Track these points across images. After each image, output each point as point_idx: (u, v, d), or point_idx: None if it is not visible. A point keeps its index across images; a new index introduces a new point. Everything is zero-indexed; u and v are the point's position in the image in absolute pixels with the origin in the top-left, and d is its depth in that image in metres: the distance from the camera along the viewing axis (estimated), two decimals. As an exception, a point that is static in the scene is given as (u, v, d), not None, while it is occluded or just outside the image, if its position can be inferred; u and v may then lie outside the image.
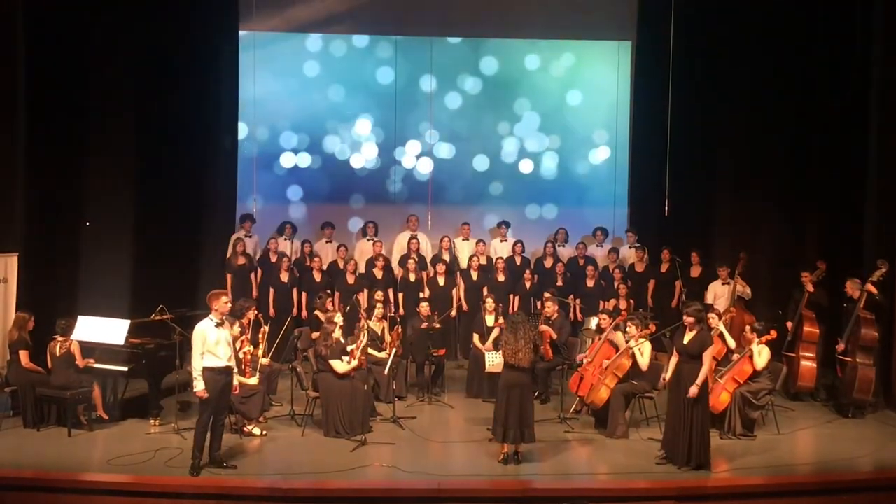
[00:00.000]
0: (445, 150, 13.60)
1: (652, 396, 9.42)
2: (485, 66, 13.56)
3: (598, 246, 13.03)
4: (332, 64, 13.43)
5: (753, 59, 12.35)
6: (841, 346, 10.03)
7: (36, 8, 10.73)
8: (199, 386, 7.82)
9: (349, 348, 9.30)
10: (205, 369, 7.83)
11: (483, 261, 12.43)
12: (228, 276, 11.98)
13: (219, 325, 7.94)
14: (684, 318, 8.16)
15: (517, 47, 13.59)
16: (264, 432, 9.06)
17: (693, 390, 7.97)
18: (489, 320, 10.72)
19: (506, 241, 12.90)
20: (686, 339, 8.11)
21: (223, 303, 8.01)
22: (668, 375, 8.37)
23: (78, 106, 11.48)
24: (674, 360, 8.26)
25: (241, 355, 9.08)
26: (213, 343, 7.87)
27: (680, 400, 8.09)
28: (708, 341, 8.13)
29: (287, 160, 13.41)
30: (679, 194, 11.97)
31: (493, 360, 9.79)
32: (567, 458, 8.57)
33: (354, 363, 9.17)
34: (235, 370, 8.19)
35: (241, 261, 12.01)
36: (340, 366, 9.09)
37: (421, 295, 11.84)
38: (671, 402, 8.29)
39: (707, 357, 8.04)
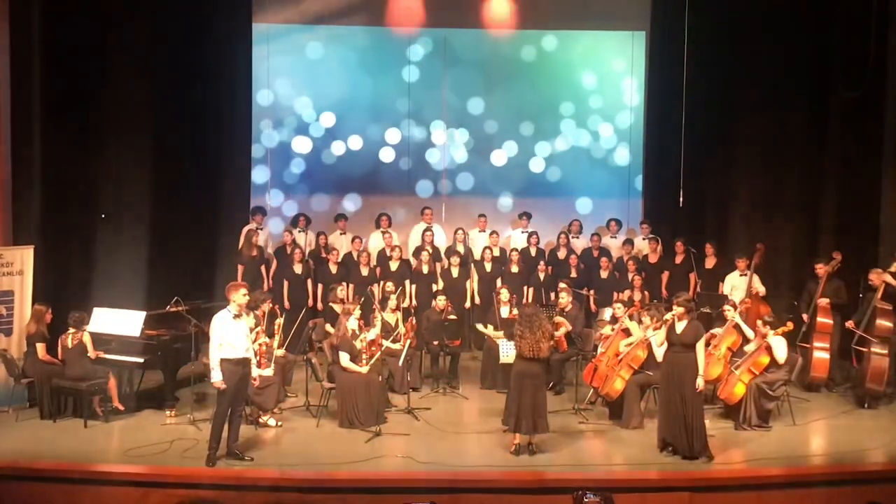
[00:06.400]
0: (460, 142, 13.57)
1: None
2: (499, 56, 13.52)
3: (612, 237, 12.97)
4: (346, 55, 13.43)
5: (768, 48, 12.26)
6: (850, 323, 10.04)
7: (52, 1, 10.77)
8: (216, 377, 7.85)
9: (363, 336, 9.31)
10: (222, 360, 7.85)
11: (496, 252, 12.42)
12: (239, 268, 11.99)
13: (236, 316, 7.97)
14: (674, 308, 8.15)
15: (531, 38, 13.54)
16: (279, 423, 9.10)
17: (700, 382, 8.00)
18: (503, 311, 10.71)
19: (527, 232, 12.86)
20: (679, 330, 8.12)
21: (241, 295, 8.03)
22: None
23: (93, 99, 11.55)
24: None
25: (256, 347, 9.12)
26: (230, 334, 7.89)
27: (674, 390, 8.11)
28: (701, 331, 8.20)
29: (300, 149, 13.42)
30: (693, 186, 11.94)
31: (507, 352, 9.77)
32: (581, 449, 8.56)
33: (364, 370, 9.16)
34: (254, 361, 8.20)
35: (253, 252, 12.03)
36: (345, 360, 9.12)
37: (434, 287, 11.85)
38: (664, 392, 8.31)
39: (701, 346, 8.08)
